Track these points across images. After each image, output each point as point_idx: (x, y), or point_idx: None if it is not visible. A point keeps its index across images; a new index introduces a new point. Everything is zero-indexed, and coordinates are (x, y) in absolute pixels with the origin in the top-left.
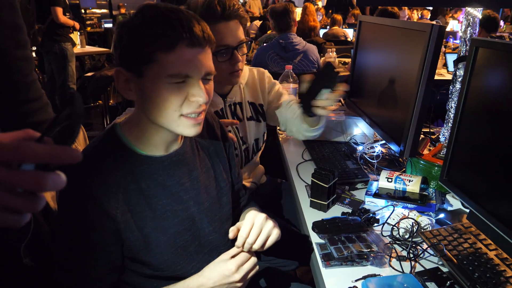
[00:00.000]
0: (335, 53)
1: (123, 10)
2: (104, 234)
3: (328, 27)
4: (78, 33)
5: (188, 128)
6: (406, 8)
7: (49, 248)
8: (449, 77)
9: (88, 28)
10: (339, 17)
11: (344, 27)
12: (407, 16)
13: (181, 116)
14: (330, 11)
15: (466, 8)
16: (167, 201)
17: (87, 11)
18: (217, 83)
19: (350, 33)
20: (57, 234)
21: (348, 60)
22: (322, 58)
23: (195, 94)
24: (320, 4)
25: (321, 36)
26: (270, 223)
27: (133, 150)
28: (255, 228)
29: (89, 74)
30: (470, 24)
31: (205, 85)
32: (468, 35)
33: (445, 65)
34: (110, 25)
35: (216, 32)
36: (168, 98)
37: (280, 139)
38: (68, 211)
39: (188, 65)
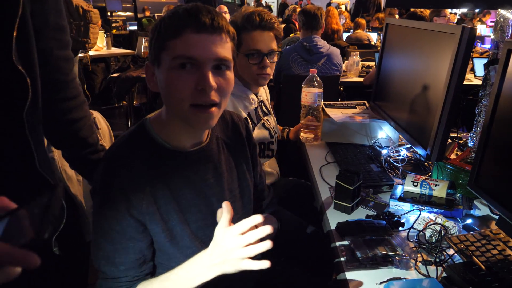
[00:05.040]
0: (358, 56)
1: (147, 13)
2: (131, 223)
3: (351, 30)
4: (105, 35)
5: (198, 120)
6: (447, 11)
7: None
8: (477, 82)
9: (114, 31)
10: (363, 21)
11: (368, 30)
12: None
13: (190, 107)
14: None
15: (498, 10)
16: (191, 195)
17: (113, 14)
18: (248, 84)
19: (373, 37)
20: (93, 223)
21: (371, 64)
22: (346, 62)
23: (202, 82)
24: (343, 7)
25: (344, 39)
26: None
27: (161, 144)
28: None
29: (114, 75)
30: (502, 26)
31: (219, 76)
32: (500, 38)
33: (472, 69)
34: (135, 28)
35: (251, 38)
36: (177, 85)
37: (303, 140)
38: (98, 201)
39: (194, 48)
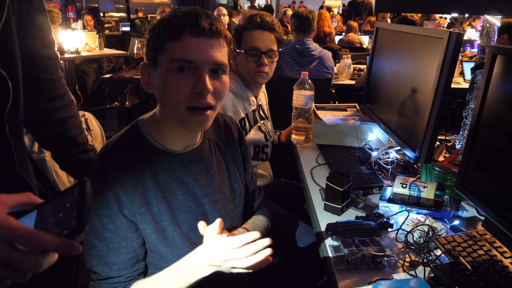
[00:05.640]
0: (350, 59)
1: (140, 14)
2: (124, 222)
3: (343, 33)
4: (97, 36)
5: (193, 122)
6: (437, 15)
7: None
8: (466, 85)
9: (106, 31)
10: (355, 24)
11: (359, 34)
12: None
13: (186, 109)
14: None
15: (485, 16)
16: (183, 196)
17: (106, 15)
18: (249, 85)
19: (365, 40)
20: None
21: (363, 66)
22: (337, 65)
23: (199, 85)
24: (335, 10)
25: (336, 42)
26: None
27: (154, 145)
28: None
29: (107, 76)
30: (488, 31)
31: (215, 80)
32: (486, 43)
33: (461, 73)
34: (127, 28)
35: (251, 36)
36: (174, 87)
37: (294, 142)
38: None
39: (192, 52)
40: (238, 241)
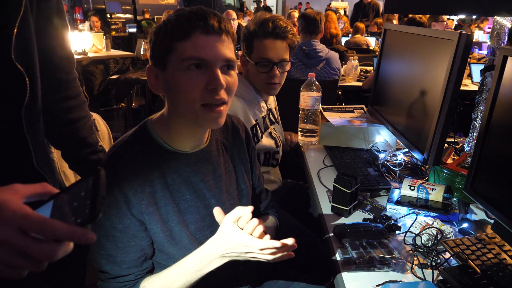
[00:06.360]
0: (357, 61)
1: (147, 15)
2: (133, 221)
3: (350, 35)
4: (104, 37)
5: (209, 119)
6: (445, 17)
7: None
8: (474, 87)
9: (113, 33)
10: (361, 25)
11: (366, 35)
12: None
13: (201, 107)
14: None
15: (495, 17)
16: (190, 196)
17: (113, 16)
18: (259, 91)
19: (372, 42)
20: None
21: (370, 68)
22: (344, 66)
23: (213, 81)
24: (342, 12)
25: (343, 44)
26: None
27: (162, 145)
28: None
29: (113, 77)
30: (499, 33)
31: (226, 75)
32: (496, 44)
33: (469, 75)
34: (134, 30)
35: (263, 46)
36: (188, 86)
37: (301, 144)
38: None
39: (204, 50)
40: (261, 244)
